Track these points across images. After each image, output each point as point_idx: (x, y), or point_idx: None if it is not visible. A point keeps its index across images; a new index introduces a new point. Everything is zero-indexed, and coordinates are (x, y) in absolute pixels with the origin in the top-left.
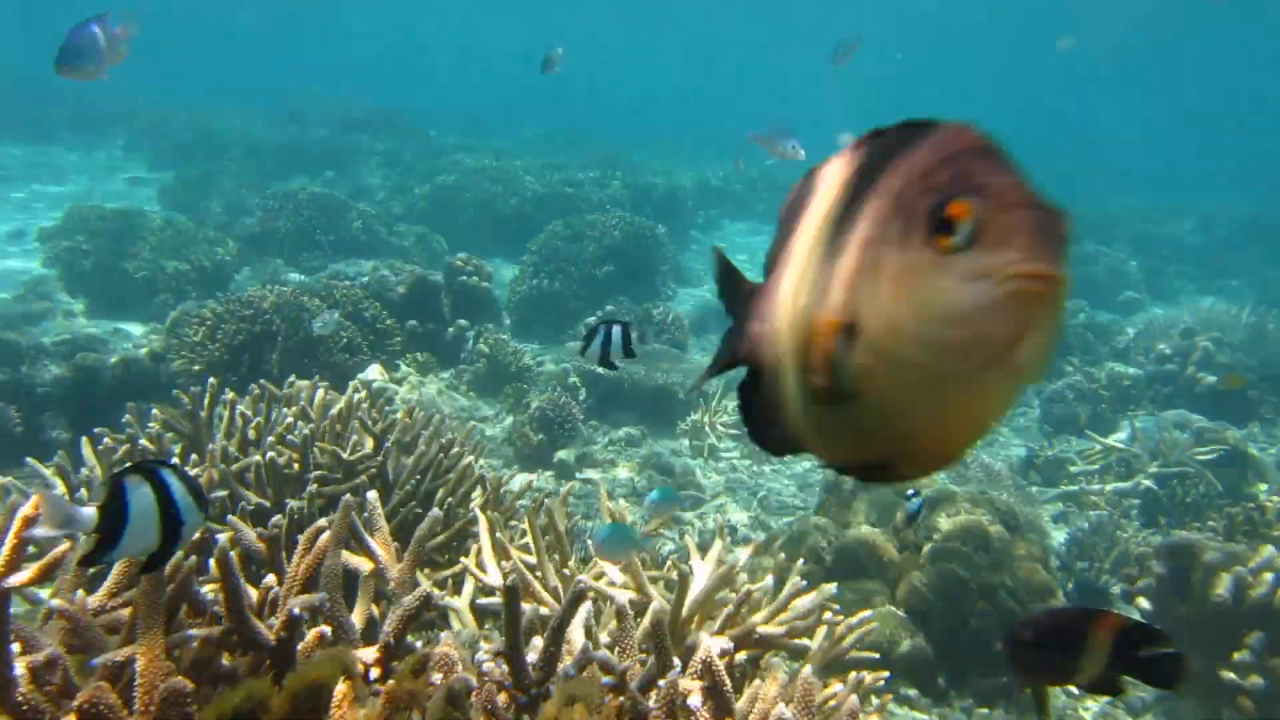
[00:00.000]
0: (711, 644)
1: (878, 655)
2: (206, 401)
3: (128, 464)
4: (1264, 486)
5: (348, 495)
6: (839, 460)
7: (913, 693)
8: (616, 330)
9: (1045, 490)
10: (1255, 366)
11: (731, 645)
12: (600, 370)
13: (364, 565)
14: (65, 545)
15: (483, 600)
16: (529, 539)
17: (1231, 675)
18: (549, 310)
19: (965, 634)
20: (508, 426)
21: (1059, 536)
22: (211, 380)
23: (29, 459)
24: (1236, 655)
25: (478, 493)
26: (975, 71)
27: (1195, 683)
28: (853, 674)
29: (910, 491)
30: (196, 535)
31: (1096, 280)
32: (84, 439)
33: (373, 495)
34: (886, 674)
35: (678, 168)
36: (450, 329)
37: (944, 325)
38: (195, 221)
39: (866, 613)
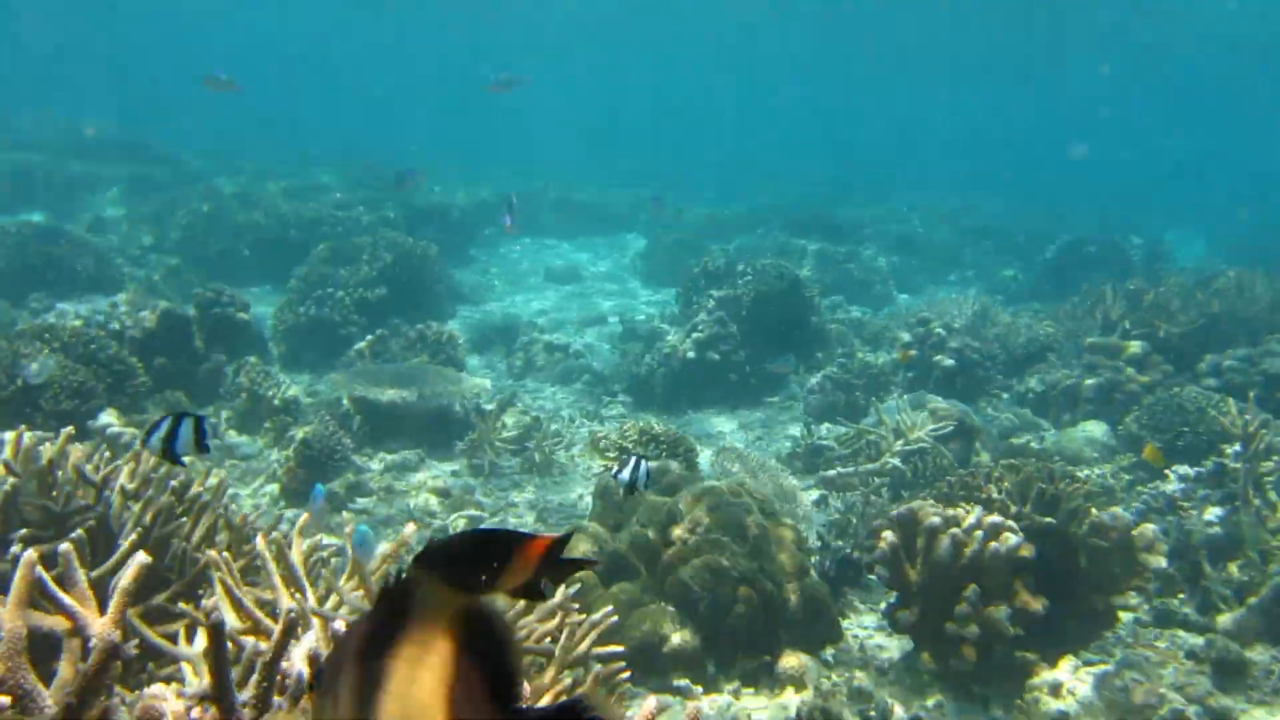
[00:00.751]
0: None
1: (622, 648)
2: None
3: None
4: (985, 455)
5: (29, 550)
6: None
7: (683, 682)
8: (185, 424)
9: (806, 477)
10: (978, 347)
11: None
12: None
13: (60, 625)
14: None
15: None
16: (274, 574)
17: (954, 627)
18: (320, 338)
19: (730, 620)
20: (274, 460)
21: (821, 519)
22: None
23: None
24: (957, 608)
25: (223, 535)
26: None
27: (929, 639)
28: (595, 667)
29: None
30: None
31: (852, 277)
32: None
33: (65, 547)
34: (622, 663)
35: (454, 187)
36: (205, 365)
37: None
38: None
39: (608, 608)
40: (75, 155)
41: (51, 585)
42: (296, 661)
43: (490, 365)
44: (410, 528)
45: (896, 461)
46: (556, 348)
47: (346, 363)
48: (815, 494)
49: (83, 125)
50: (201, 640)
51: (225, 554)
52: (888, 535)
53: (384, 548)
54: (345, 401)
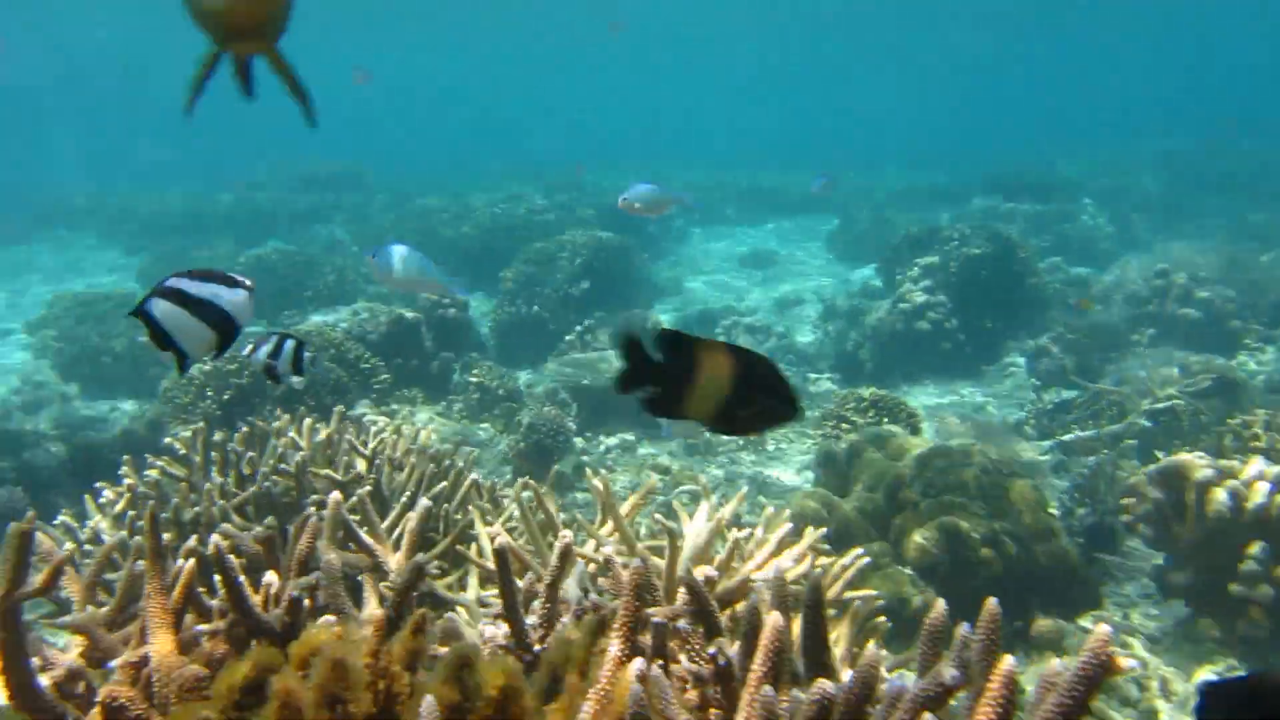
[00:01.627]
0: (697, 570)
1: (875, 592)
2: (200, 444)
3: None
4: (1261, 412)
5: (335, 493)
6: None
7: None
8: (288, 345)
9: (1041, 444)
10: (1234, 297)
11: (717, 572)
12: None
13: (363, 561)
14: (68, 550)
15: (487, 592)
16: (523, 526)
17: (1240, 588)
18: (530, 334)
19: (974, 583)
20: (503, 448)
21: (1061, 485)
22: (200, 424)
23: (29, 513)
24: (1242, 567)
25: (475, 497)
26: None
27: (1209, 603)
28: (855, 604)
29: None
30: None
31: (1069, 236)
32: (86, 496)
33: (363, 491)
34: (880, 602)
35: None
36: (434, 362)
37: None
38: None
39: (857, 550)
40: (303, 190)
41: (355, 528)
42: (572, 588)
43: None
44: (654, 478)
45: (1145, 421)
46: (757, 329)
47: (558, 354)
48: (1052, 459)
49: (305, 165)
50: (473, 587)
51: (486, 504)
52: (1151, 491)
53: (631, 499)
54: (561, 390)
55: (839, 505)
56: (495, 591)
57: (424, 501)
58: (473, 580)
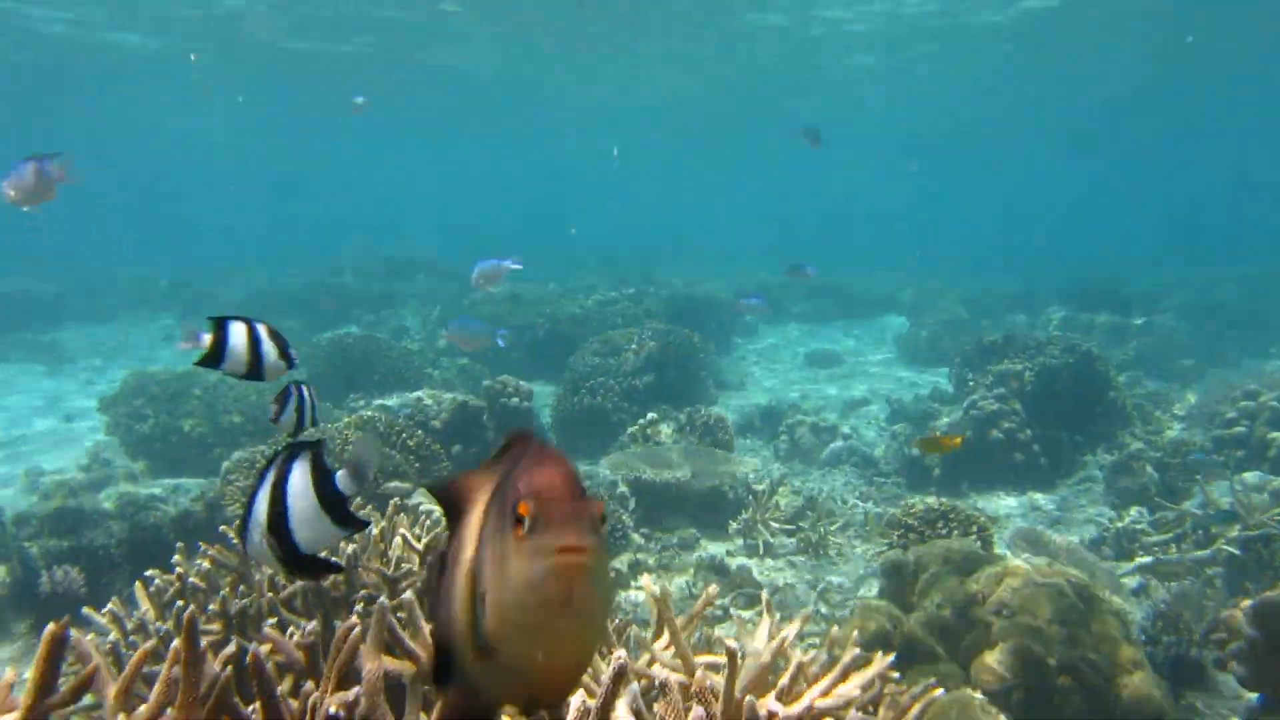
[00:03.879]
0: (775, 708)
1: None
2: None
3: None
4: None
5: (383, 598)
6: (504, 700)
7: None
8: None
9: (1120, 565)
10: None
11: (780, 707)
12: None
13: (407, 669)
14: (94, 664)
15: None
16: None
17: None
18: (593, 425)
19: (1048, 711)
20: None
21: (1140, 611)
22: None
23: (85, 608)
24: None
25: None
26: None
27: None
28: None
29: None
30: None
31: (1149, 351)
32: (137, 583)
33: (409, 595)
34: None
35: (704, 278)
36: (495, 451)
37: (522, 590)
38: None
39: (930, 679)
40: (379, 277)
41: (400, 632)
42: (622, 712)
43: (755, 450)
44: (713, 587)
45: (1233, 549)
46: (822, 429)
47: (619, 446)
48: (1132, 582)
49: (383, 252)
50: None
51: None
52: (1246, 629)
53: (691, 610)
54: (620, 484)
55: (904, 621)
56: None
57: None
58: None
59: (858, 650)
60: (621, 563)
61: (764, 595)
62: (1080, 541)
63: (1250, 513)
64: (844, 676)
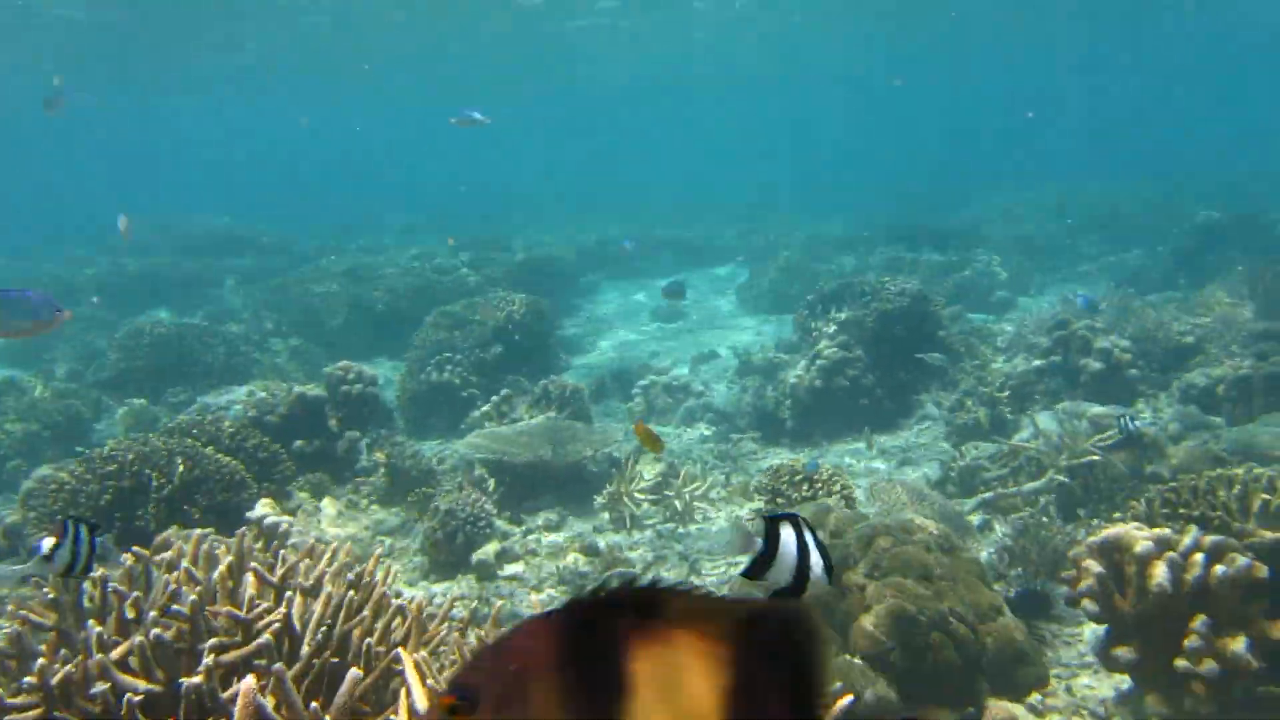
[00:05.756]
0: None
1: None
2: (71, 585)
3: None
4: (1167, 461)
5: (249, 679)
6: None
7: None
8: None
9: (964, 501)
10: (1127, 345)
11: None
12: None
13: None
14: None
15: None
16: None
17: (1185, 663)
18: (443, 403)
19: (924, 669)
20: (419, 535)
21: (987, 546)
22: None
23: None
24: (1186, 642)
25: (398, 623)
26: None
27: (1157, 678)
28: None
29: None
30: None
31: (968, 285)
32: None
33: (278, 667)
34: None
35: (546, 241)
36: (340, 442)
37: None
38: (40, 376)
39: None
40: (190, 253)
41: (270, 711)
42: None
43: (610, 413)
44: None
45: (1063, 478)
46: (675, 389)
47: (473, 425)
48: (976, 519)
49: (192, 224)
50: None
51: (422, 654)
52: (1090, 565)
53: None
54: (477, 467)
55: None
56: None
57: (353, 673)
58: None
59: None
60: (487, 552)
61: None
62: (925, 479)
63: (1074, 441)
64: None
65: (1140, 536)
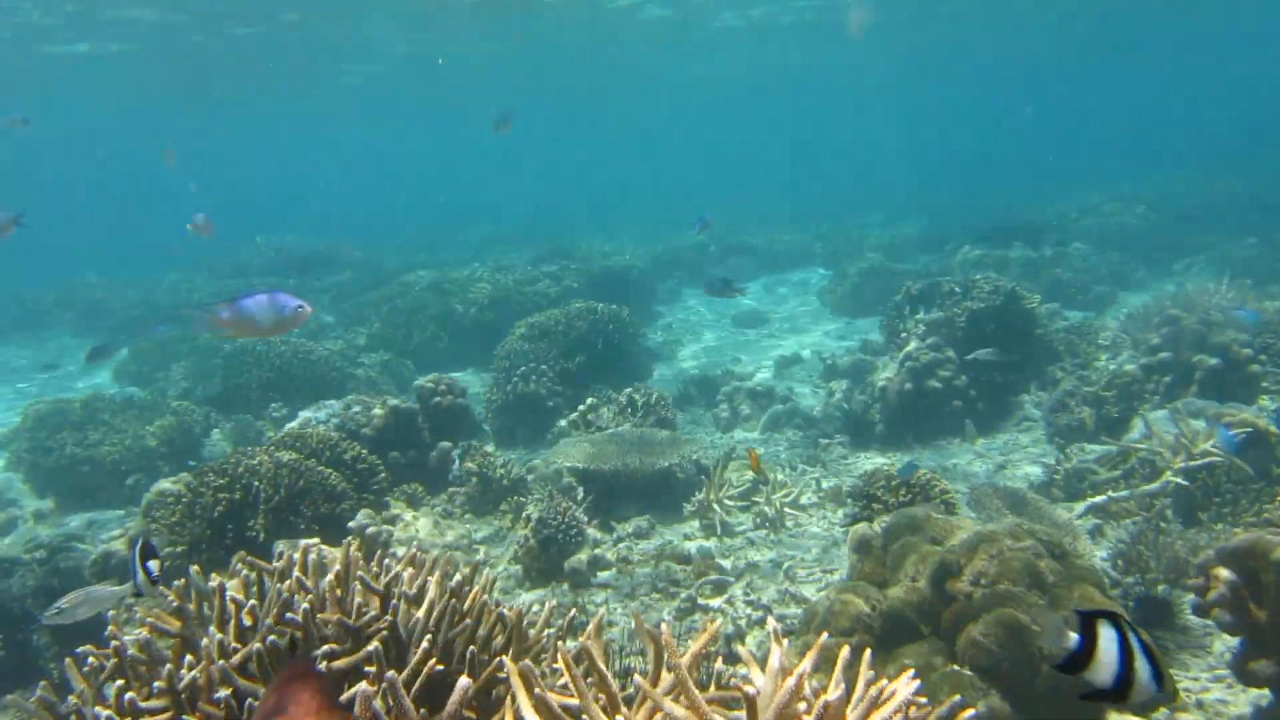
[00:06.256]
0: None
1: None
2: (193, 594)
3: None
4: None
5: (362, 685)
6: None
7: None
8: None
9: (1072, 505)
10: (1248, 340)
11: None
12: None
13: None
14: None
15: None
16: (566, 678)
17: None
18: (528, 413)
19: (1039, 681)
20: (512, 543)
21: (1099, 552)
22: (194, 569)
23: (8, 697)
24: None
25: (499, 631)
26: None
27: None
28: None
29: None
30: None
31: (1063, 281)
32: (68, 661)
33: (391, 675)
34: None
35: (622, 249)
36: (433, 453)
37: None
38: (156, 393)
39: (909, 672)
40: (281, 273)
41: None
42: None
43: (695, 420)
44: (717, 622)
45: (1180, 480)
46: (760, 394)
47: (559, 434)
48: (1086, 524)
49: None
50: None
51: (527, 662)
52: (1222, 572)
53: (694, 647)
54: (566, 476)
55: (881, 600)
56: None
57: (464, 682)
58: None
59: (869, 672)
60: (580, 560)
61: (771, 621)
62: (1029, 484)
63: (1195, 441)
64: (867, 716)
65: (1278, 542)
